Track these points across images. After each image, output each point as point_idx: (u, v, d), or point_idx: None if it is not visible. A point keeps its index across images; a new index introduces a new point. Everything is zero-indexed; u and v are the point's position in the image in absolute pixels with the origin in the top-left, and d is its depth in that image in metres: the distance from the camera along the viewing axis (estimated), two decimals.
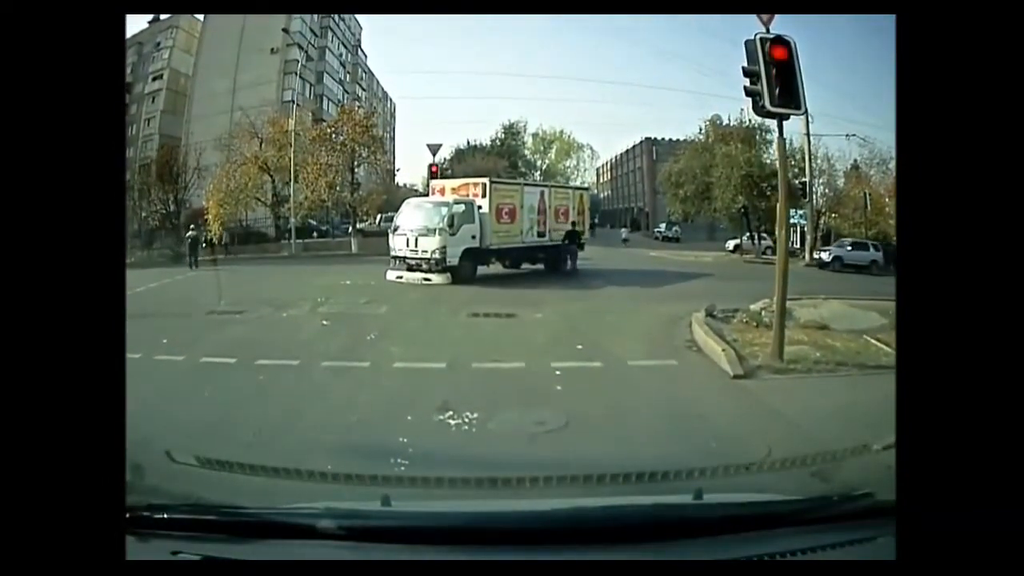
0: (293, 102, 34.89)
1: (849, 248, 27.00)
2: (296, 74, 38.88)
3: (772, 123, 10.94)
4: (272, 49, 42.47)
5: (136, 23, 43.40)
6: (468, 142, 52.49)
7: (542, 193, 18.74)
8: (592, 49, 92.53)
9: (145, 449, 2.95)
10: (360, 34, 53.56)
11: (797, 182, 26.47)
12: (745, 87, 7.12)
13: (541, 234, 18.13)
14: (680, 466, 3.36)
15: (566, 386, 6.24)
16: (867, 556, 1.67)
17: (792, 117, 8.03)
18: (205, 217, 27.86)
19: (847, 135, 39.63)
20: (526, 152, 56.66)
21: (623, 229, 47.70)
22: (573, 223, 19.32)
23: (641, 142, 62.48)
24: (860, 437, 3.53)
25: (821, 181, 32.11)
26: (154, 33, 46.38)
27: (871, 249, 26.72)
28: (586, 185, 41.22)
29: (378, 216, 31.91)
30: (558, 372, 6.70)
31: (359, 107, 37.46)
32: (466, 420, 5.06)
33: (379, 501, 1.93)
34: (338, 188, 29.73)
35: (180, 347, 7.85)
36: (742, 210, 30.70)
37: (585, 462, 3.89)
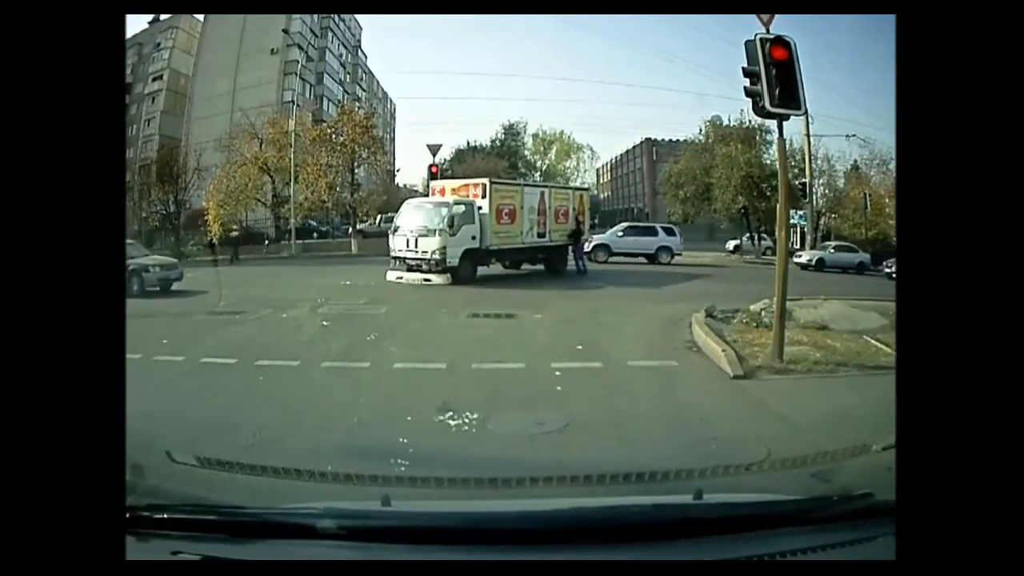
0: (293, 103, 34.94)
1: (620, 234, 22.83)
2: (296, 75, 38.91)
3: (772, 123, 10.93)
4: (272, 50, 42.52)
5: (136, 23, 43.48)
6: (468, 142, 52.51)
7: (542, 194, 18.74)
8: (592, 49, 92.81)
9: (145, 449, 2.94)
10: (360, 34, 53.60)
11: (797, 183, 26.48)
12: (745, 87, 7.12)
13: (541, 235, 18.15)
14: (680, 466, 3.36)
15: (566, 386, 6.23)
16: (867, 556, 1.67)
17: (792, 118, 8.04)
18: (205, 218, 27.84)
19: (847, 135, 40.12)
20: (526, 153, 56.65)
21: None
22: (579, 222, 19.32)
23: (641, 143, 62.50)
24: (860, 437, 3.52)
25: (821, 182, 32.21)
26: (154, 33, 46.41)
27: (660, 233, 22.38)
28: (586, 186, 41.18)
29: (378, 217, 31.88)
30: (558, 373, 6.69)
31: (359, 107, 37.46)
32: (466, 420, 5.06)
33: (379, 501, 1.93)
34: (338, 189, 29.75)
35: (180, 347, 7.85)
36: (742, 211, 30.66)
37: (585, 462, 3.90)
